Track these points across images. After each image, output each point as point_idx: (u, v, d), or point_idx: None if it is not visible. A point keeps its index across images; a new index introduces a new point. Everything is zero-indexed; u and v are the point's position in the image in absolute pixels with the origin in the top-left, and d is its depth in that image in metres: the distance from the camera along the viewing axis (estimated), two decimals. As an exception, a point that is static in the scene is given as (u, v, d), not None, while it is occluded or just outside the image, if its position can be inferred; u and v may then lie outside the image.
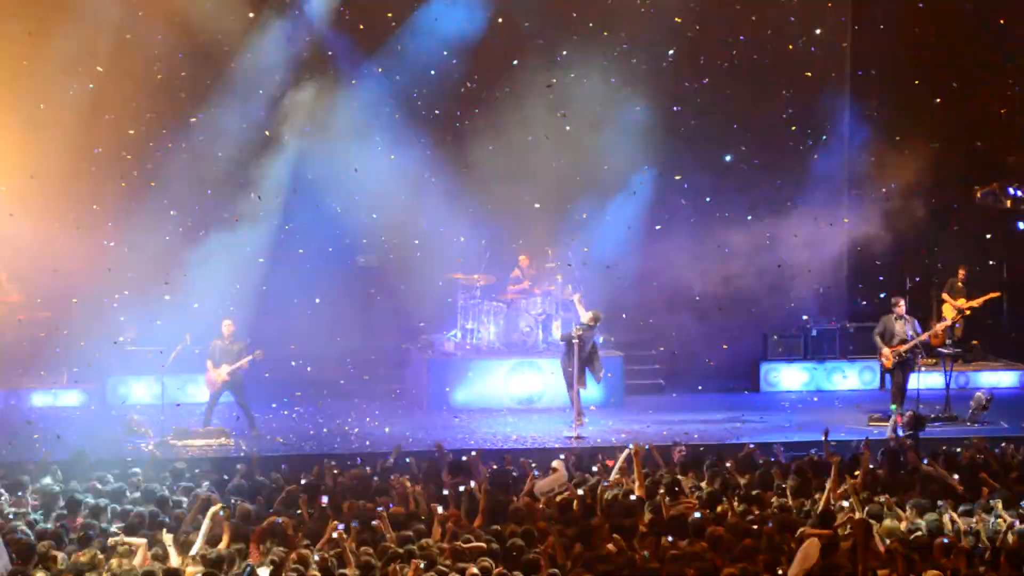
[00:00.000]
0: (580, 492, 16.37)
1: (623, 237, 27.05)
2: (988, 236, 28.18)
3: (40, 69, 25.37)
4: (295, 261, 26.32)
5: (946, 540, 13.89)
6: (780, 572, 12.88)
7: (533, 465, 18.19)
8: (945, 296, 27.91)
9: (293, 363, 25.64)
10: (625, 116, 27.22)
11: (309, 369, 25.74)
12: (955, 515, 15.11)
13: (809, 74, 27.81)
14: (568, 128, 26.80)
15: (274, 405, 24.84)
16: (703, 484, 17.27)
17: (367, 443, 22.37)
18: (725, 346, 27.39)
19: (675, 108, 27.54)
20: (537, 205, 26.80)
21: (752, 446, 19.73)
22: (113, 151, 26.02)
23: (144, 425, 23.09)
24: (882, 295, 26.66)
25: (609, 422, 24.21)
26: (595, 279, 26.69)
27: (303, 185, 26.50)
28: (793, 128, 27.88)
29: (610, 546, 13.98)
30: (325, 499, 16.18)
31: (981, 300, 27.46)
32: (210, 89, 26.27)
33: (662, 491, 16.22)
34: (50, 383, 25.93)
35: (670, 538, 14.30)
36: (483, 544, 14.08)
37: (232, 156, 26.37)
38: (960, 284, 27.87)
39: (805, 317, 28.06)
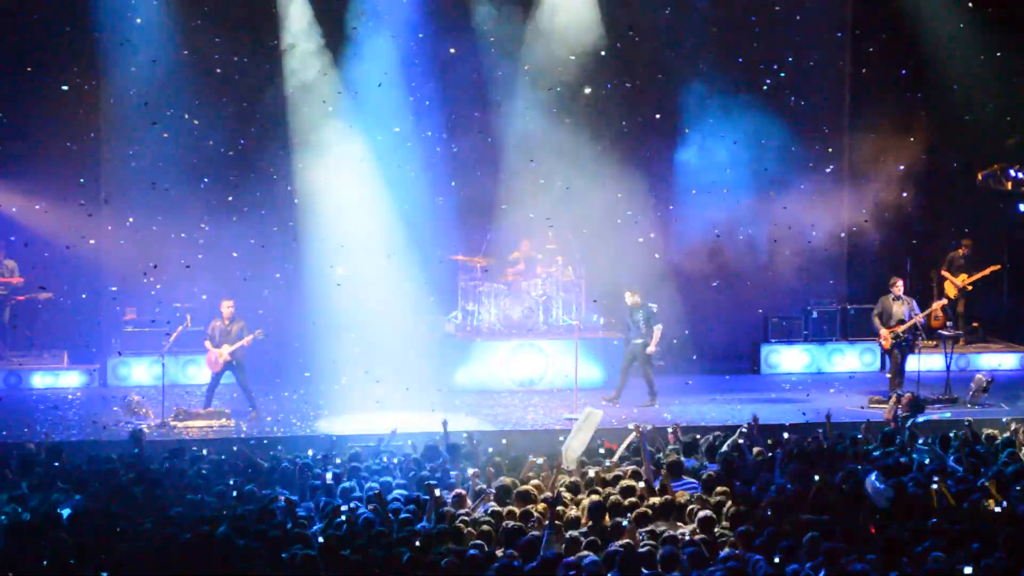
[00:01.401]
0: (591, 473, 16.48)
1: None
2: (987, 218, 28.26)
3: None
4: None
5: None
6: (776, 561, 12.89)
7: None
8: (945, 273, 27.95)
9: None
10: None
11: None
12: (947, 491, 15.18)
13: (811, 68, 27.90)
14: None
15: (286, 393, 24.84)
16: (704, 465, 17.32)
17: (361, 427, 22.35)
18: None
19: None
20: (541, 181, 26.83)
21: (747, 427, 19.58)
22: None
23: (144, 406, 23.18)
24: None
25: (605, 403, 24.21)
26: (594, 261, 26.81)
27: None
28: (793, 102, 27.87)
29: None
30: (329, 476, 16.24)
31: (981, 274, 27.59)
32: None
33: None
34: (51, 364, 26.05)
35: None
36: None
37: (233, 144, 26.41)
38: (961, 260, 27.92)
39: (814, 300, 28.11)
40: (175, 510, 14.90)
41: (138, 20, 25.54)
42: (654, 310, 24.36)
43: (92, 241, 25.65)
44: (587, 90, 26.96)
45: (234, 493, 15.91)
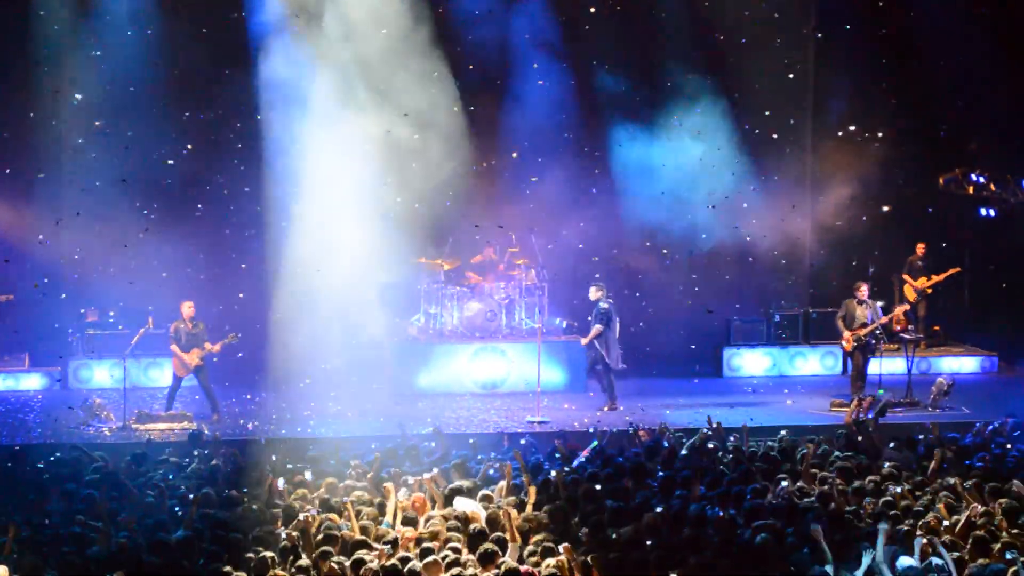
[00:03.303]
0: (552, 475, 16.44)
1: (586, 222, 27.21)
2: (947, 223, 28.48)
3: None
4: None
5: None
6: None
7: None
8: (906, 277, 28.09)
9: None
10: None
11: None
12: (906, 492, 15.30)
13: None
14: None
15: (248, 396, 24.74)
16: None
17: (323, 430, 22.30)
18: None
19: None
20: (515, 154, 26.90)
21: (708, 431, 19.56)
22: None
23: (106, 409, 23.06)
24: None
25: (567, 406, 24.31)
26: (561, 267, 26.90)
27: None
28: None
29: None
30: (281, 482, 16.16)
31: (942, 277, 27.81)
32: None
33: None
34: (11, 367, 25.94)
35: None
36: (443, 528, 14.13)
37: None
38: (919, 263, 28.07)
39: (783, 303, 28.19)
40: (123, 515, 14.80)
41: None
42: (602, 308, 24.36)
43: (41, 237, 25.49)
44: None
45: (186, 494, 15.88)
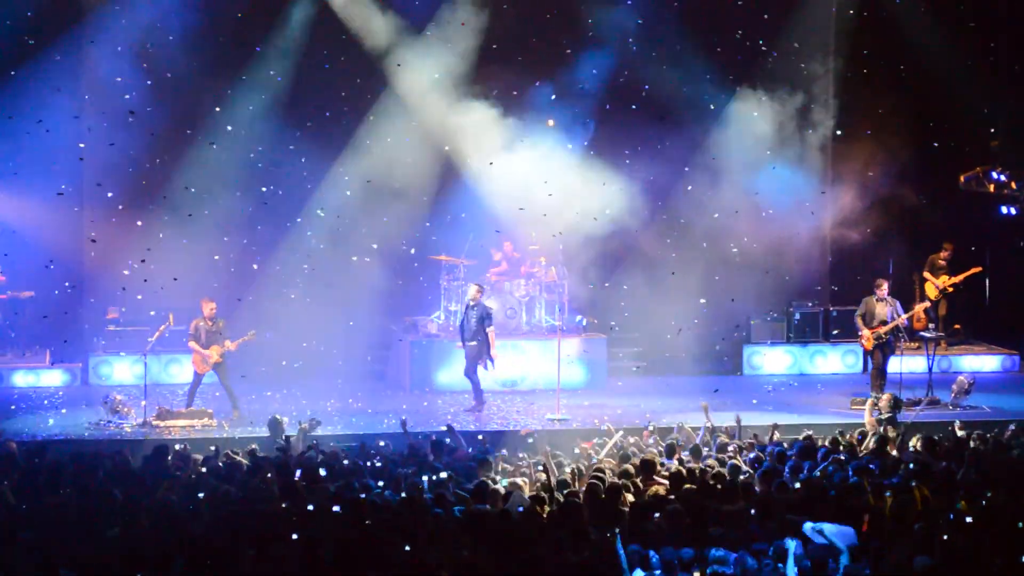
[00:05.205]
0: (568, 470, 16.46)
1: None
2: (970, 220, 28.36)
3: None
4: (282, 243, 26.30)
5: None
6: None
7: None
8: (927, 275, 27.99)
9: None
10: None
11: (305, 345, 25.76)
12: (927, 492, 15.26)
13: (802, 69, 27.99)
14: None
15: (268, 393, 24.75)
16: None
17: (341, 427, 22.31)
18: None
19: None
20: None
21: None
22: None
23: (126, 405, 23.05)
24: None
25: (587, 403, 24.26)
26: (578, 263, 26.88)
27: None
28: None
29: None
30: (299, 472, 16.21)
31: (963, 276, 27.65)
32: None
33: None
34: (32, 363, 25.99)
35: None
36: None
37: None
38: (942, 262, 27.97)
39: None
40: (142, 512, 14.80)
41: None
42: (490, 310, 24.24)
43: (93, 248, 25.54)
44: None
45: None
